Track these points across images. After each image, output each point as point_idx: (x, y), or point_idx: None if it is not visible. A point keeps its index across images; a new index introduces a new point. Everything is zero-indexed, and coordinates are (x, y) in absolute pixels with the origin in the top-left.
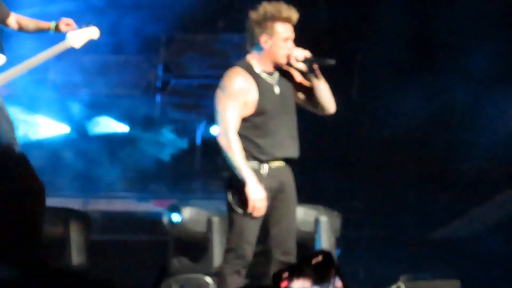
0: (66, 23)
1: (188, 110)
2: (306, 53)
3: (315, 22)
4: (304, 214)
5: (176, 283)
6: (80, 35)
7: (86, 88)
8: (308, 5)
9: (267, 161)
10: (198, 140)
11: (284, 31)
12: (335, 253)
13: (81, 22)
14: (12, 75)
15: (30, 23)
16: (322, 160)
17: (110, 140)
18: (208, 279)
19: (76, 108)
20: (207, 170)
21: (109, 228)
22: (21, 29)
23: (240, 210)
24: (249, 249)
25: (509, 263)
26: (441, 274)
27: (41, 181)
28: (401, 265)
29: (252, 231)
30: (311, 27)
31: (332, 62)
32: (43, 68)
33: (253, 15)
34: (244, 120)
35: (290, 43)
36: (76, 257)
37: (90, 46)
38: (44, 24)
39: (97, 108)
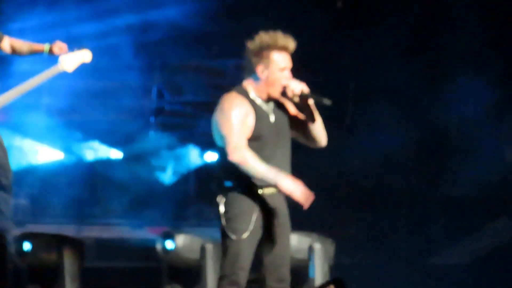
0: (59, 47)
1: (183, 136)
2: (303, 87)
3: (309, 49)
4: (298, 242)
5: None
6: (72, 59)
7: (80, 114)
8: (301, 31)
9: (261, 187)
10: (192, 167)
11: (280, 60)
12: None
13: (74, 45)
14: (6, 100)
15: (24, 46)
16: (316, 187)
17: (104, 166)
18: None
19: (70, 134)
20: (201, 197)
21: (103, 255)
22: (14, 52)
23: (234, 236)
24: (243, 276)
25: None
26: None
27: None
28: None
29: (246, 258)
30: (304, 53)
31: (328, 102)
32: (37, 93)
33: (250, 44)
34: None
35: (287, 73)
36: (70, 284)
37: (85, 70)
38: (38, 46)
39: (91, 133)
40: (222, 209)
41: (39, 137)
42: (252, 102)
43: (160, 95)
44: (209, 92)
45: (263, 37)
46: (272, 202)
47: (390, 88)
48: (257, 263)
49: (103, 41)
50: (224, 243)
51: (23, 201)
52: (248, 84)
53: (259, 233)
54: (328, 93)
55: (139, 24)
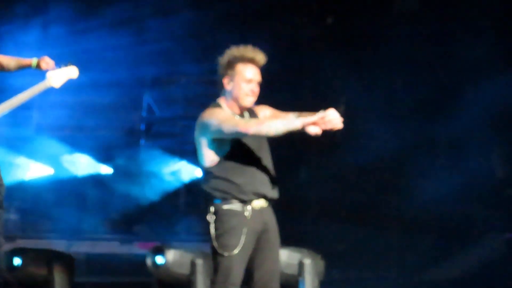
0: (46, 62)
1: (173, 151)
2: (318, 132)
3: (299, 66)
4: (288, 257)
5: None
6: (59, 75)
7: (70, 130)
8: (291, 48)
9: (250, 201)
10: (182, 182)
11: (245, 72)
12: None
13: (61, 62)
14: None
15: (11, 61)
16: (306, 203)
17: (94, 182)
18: None
19: (60, 150)
20: (191, 212)
21: (93, 270)
22: (2, 69)
23: (225, 253)
24: None
25: None
26: None
27: None
28: None
29: (238, 274)
30: (295, 68)
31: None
32: (26, 108)
33: (220, 60)
34: (222, 162)
35: (254, 86)
36: None
37: (75, 86)
38: (25, 61)
39: (81, 150)
40: (212, 226)
41: (29, 153)
42: None
43: (150, 111)
44: (200, 107)
45: (232, 50)
46: (261, 217)
47: (381, 102)
48: (247, 278)
49: (92, 57)
50: (215, 260)
51: (13, 216)
52: (220, 100)
53: (250, 248)
54: (318, 107)
55: (131, 39)
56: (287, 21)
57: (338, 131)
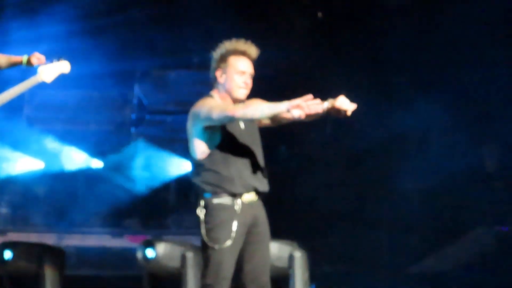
0: (37, 57)
1: (162, 146)
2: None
3: (290, 62)
4: (278, 250)
5: None
6: (51, 70)
7: (60, 124)
8: (283, 45)
9: (240, 195)
10: (173, 176)
11: (238, 64)
12: None
13: (52, 56)
14: None
15: (2, 59)
16: (297, 196)
17: (85, 175)
18: None
19: (50, 144)
20: (181, 206)
21: (83, 263)
22: None
23: (216, 246)
24: (226, 285)
25: None
26: None
27: None
28: None
29: (228, 267)
30: (285, 63)
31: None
32: (17, 102)
33: (213, 54)
34: (212, 154)
35: (247, 78)
36: None
37: (65, 81)
38: (16, 58)
39: (71, 143)
40: (202, 220)
41: (20, 147)
42: None
43: (140, 104)
44: (190, 101)
45: (225, 44)
46: (251, 210)
47: (371, 97)
48: (238, 272)
49: (83, 51)
50: (206, 253)
51: (4, 210)
52: (213, 93)
53: (240, 242)
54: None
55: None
56: (277, 15)
57: (328, 124)
